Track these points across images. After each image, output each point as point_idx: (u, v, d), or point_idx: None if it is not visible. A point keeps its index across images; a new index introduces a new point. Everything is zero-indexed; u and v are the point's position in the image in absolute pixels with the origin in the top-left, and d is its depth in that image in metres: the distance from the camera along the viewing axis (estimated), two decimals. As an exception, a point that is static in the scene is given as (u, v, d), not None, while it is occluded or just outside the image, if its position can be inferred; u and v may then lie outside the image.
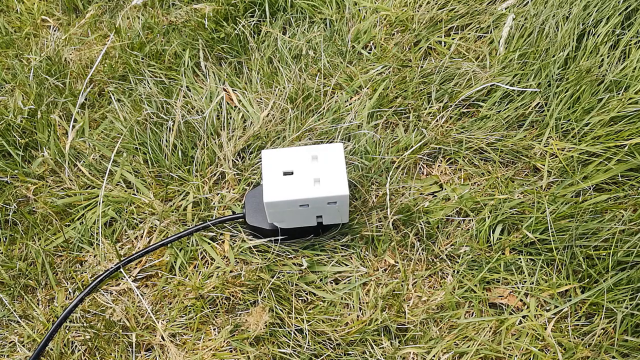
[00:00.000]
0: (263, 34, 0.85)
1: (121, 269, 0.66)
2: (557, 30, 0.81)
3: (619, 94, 0.76)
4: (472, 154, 0.74)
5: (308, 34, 0.84)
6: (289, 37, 0.85)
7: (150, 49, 0.85)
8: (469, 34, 0.85)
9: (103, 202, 0.70)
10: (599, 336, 0.60)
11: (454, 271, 0.65)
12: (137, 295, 0.65)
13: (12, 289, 0.66)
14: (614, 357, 0.59)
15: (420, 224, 0.67)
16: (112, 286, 0.66)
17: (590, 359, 0.59)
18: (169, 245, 0.67)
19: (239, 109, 0.78)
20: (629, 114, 0.73)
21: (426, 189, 0.71)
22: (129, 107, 0.79)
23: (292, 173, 0.61)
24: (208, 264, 0.67)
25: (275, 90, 0.79)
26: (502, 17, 0.85)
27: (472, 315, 0.63)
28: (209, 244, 0.67)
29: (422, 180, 0.72)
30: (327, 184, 0.60)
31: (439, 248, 0.67)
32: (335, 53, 0.83)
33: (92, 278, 0.66)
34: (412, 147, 0.73)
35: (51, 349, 0.61)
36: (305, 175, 0.61)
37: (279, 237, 0.65)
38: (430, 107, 0.77)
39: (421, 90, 0.79)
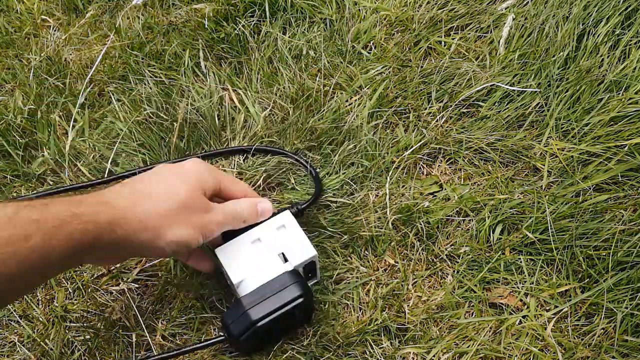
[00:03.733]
0: (263, 34, 0.85)
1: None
2: (557, 30, 0.81)
3: (619, 94, 0.76)
4: (472, 154, 0.74)
5: (308, 34, 0.84)
6: (289, 37, 0.85)
7: (150, 49, 0.85)
8: (469, 34, 0.85)
9: (103, 202, 0.70)
10: (599, 336, 0.60)
11: (454, 271, 0.65)
12: (138, 295, 0.65)
13: (12, 289, 0.66)
14: (614, 357, 0.59)
15: (420, 224, 0.67)
16: (112, 286, 0.66)
17: (590, 359, 0.59)
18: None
19: (240, 109, 0.78)
20: (629, 114, 0.73)
21: (426, 189, 0.71)
22: (129, 107, 0.79)
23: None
24: (208, 264, 0.67)
25: (275, 90, 0.79)
26: (502, 17, 0.85)
27: (472, 315, 0.63)
28: (209, 244, 0.67)
29: (422, 180, 0.72)
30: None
31: (439, 248, 0.67)
32: (335, 53, 0.83)
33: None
34: (412, 147, 0.73)
35: (51, 349, 0.61)
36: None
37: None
38: (430, 107, 0.77)
39: (421, 90, 0.79)
